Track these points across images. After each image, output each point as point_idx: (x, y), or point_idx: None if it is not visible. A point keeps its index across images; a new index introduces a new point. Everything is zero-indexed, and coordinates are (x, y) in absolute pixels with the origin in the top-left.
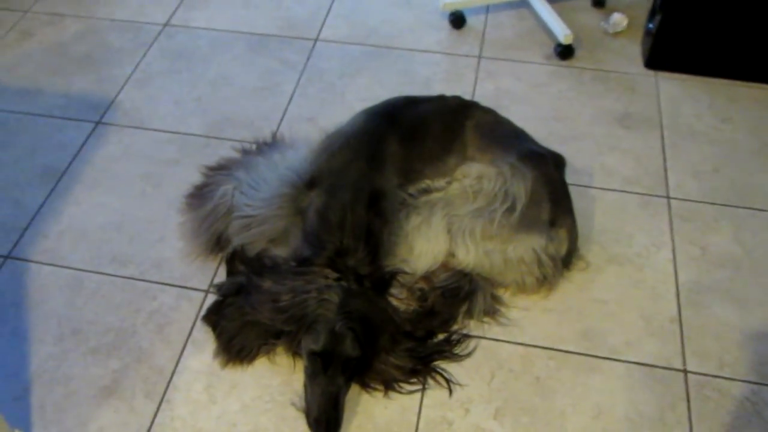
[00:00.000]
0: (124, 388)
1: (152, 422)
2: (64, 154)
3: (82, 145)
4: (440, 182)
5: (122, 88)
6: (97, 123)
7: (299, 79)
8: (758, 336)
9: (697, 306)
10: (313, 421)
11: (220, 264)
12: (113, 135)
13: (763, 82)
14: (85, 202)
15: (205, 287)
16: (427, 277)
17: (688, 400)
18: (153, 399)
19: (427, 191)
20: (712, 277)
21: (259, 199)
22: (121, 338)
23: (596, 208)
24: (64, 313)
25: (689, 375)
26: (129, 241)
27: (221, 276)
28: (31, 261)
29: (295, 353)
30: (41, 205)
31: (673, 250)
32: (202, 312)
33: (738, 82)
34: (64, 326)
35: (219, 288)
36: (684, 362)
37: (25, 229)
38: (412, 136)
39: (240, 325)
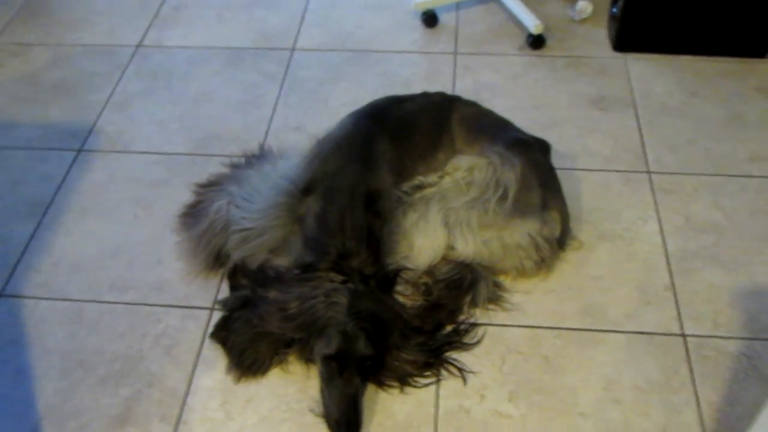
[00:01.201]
0: (138, 414)
1: None
2: (48, 185)
3: (66, 175)
4: (433, 177)
5: (101, 113)
6: (79, 151)
7: (281, 89)
8: (746, 294)
9: (688, 272)
10: (334, 423)
11: (222, 280)
12: (97, 161)
13: (724, 55)
14: (75, 232)
15: (209, 305)
16: (429, 271)
17: (690, 362)
18: (169, 422)
19: (420, 187)
20: (698, 243)
21: (255, 210)
22: (129, 365)
23: (583, 189)
24: (66, 346)
25: (688, 338)
26: (126, 266)
27: (224, 292)
28: (26, 297)
29: (308, 360)
30: (30, 239)
31: (659, 222)
32: (210, 329)
33: (702, 58)
34: (68, 359)
35: (224, 304)
36: (681, 327)
37: (16, 264)
38: (401, 134)
39: (250, 338)
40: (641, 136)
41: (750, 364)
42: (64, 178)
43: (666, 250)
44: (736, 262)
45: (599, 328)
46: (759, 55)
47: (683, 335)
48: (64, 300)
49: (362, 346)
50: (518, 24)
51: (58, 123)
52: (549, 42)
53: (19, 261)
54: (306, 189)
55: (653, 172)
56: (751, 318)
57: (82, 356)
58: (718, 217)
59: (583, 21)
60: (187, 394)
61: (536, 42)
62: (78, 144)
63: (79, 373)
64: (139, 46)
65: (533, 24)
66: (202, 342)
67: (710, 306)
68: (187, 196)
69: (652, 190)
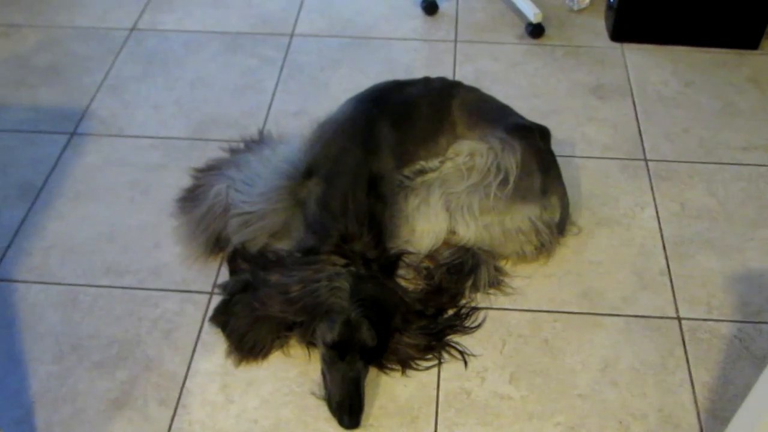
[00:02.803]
0: (135, 397)
1: (170, 428)
2: (40, 169)
3: (59, 158)
4: (434, 162)
5: (94, 96)
6: (72, 134)
7: (280, 74)
8: (738, 278)
9: (683, 257)
10: (336, 406)
11: (221, 264)
12: (91, 145)
13: (718, 46)
14: (69, 216)
15: (208, 289)
16: (431, 255)
17: (684, 345)
18: (168, 405)
19: (422, 172)
20: (692, 229)
21: (256, 194)
22: (126, 349)
23: (582, 176)
24: (60, 330)
25: (682, 321)
26: (122, 250)
27: (224, 276)
28: (18, 281)
29: (309, 343)
30: (21, 223)
31: (656, 208)
32: (209, 313)
33: (696, 48)
34: (63, 343)
35: (224, 287)
36: (676, 310)
37: (7, 248)
38: (403, 118)
39: (250, 322)
40: (638, 124)
41: (742, 346)
42: (57, 161)
43: (662, 235)
44: (729, 248)
45: (598, 312)
46: (752, 47)
47: (678, 318)
48: (58, 284)
49: (365, 336)
50: (518, 13)
51: (49, 106)
52: (548, 31)
53: (10, 245)
54: (307, 172)
55: (650, 160)
56: (743, 302)
57: (77, 340)
58: (711, 204)
59: (581, 11)
60: (186, 377)
61: (536, 31)
62: (71, 127)
63: (73, 357)
64: (133, 29)
65: (533, 13)
66: (202, 326)
67: (704, 290)
68: (185, 181)
69: (649, 177)
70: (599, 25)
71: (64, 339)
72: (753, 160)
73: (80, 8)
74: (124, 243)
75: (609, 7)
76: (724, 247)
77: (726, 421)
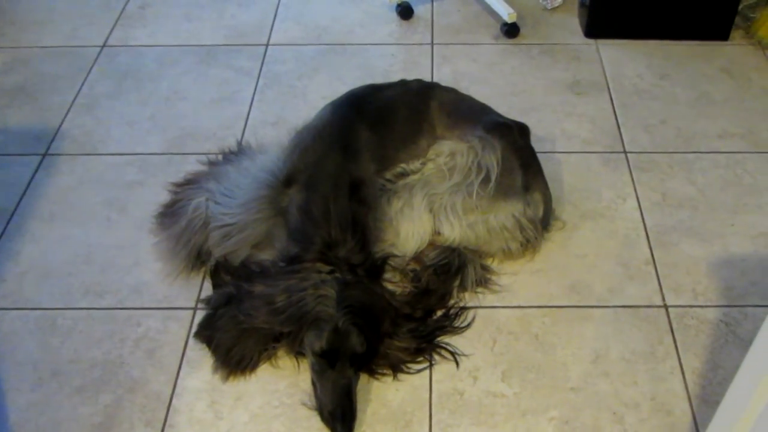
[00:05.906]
0: (120, 421)
1: None
2: (11, 192)
3: (31, 180)
4: (415, 164)
5: (66, 115)
6: (44, 155)
7: (256, 84)
8: (721, 264)
9: (666, 246)
10: (328, 415)
11: (204, 279)
12: (64, 165)
13: (689, 39)
14: (43, 239)
15: (191, 305)
16: (417, 257)
17: (672, 332)
18: (154, 426)
19: (403, 175)
20: (674, 218)
21: (236, 205)
22: (108, 371)
23: (563, 171)
24: (39, 356)
25: (669, 309)
26: (101, 271)
27: (207, 291)
28: None
29: (297, 353)
30: None
31: (638, 199)
32: (193, 329)
33: (669, 41)
34: (42, 370)
35: (207, 302)
36: (663, 298)
37: None
38: (381, 122)
39: (236, 335)
40: (616, 118)
41: (728, 330)
42: (29, 183)
43: (645, 225)
44: (711, 234)
45: (586, 305)
46: (722, 38)
47: (665, 306)
48: (35, 309)
49: (355, 342)
50: (492, 14)
51: (18, 128)
52: (523, 31)
53: None
54: (287, 180)
55: (629, 152)
56: (727, 286)
57: (57, 366)
58: (691, 192)
59: (555, 10)
60: (172, 397)
61: (511, 31)
62: (42, 148)
63: (53, 384)
64: (104, 46)
65: (507, 13)
66: (186, 343)
67: (689, 277)
68: (163, 196)
69: (629, 169)
70: (573, 22)
71: (43, 365)
72: (729, 148)
73: (49, 27)
74: (103, 263)
75: (582, 4)
76: (706, 233)
77: (717, 405)
